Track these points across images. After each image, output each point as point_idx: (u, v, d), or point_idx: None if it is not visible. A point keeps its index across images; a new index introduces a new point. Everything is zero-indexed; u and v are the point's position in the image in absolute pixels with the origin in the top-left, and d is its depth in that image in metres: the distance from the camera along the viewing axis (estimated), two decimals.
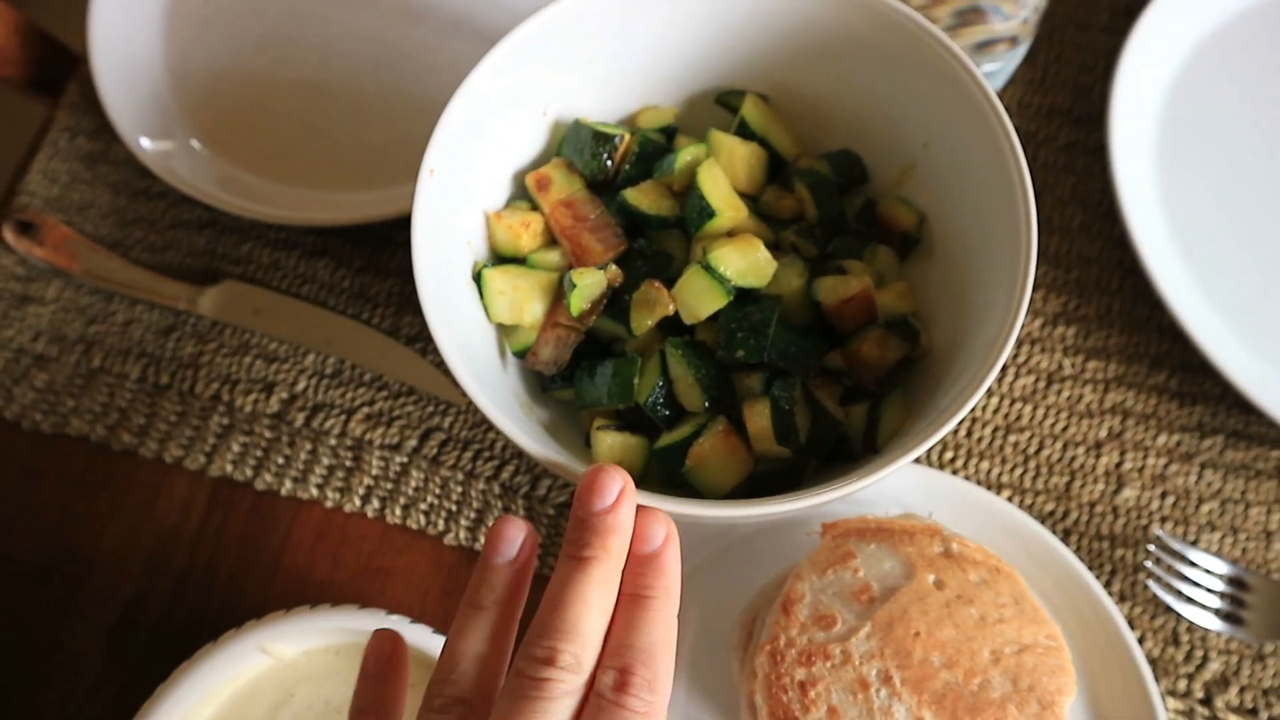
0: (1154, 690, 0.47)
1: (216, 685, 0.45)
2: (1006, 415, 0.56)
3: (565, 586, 0.34)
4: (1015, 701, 0.41)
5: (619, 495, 0.36)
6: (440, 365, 0.57)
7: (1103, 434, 0.56)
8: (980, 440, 0.55)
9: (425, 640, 0.43)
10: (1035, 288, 0.59)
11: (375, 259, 0.61)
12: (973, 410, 0.56)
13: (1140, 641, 0.51)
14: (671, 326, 0.47)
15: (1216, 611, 0.51)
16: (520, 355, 0.48)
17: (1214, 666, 0.51)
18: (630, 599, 0.35)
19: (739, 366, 0.46)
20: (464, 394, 0.56)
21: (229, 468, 0.57)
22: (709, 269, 0.45)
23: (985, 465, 0.55)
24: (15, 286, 0.63)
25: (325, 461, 0.56)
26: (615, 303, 0.48)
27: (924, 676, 0.41)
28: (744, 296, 0.47)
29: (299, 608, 0.44)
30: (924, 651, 0.42)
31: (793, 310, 0.48)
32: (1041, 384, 0.57)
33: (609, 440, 0.45)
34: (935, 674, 0.41)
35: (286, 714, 0.46)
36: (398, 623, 0.43)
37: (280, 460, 0.56)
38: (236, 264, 0.62)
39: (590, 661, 0.33)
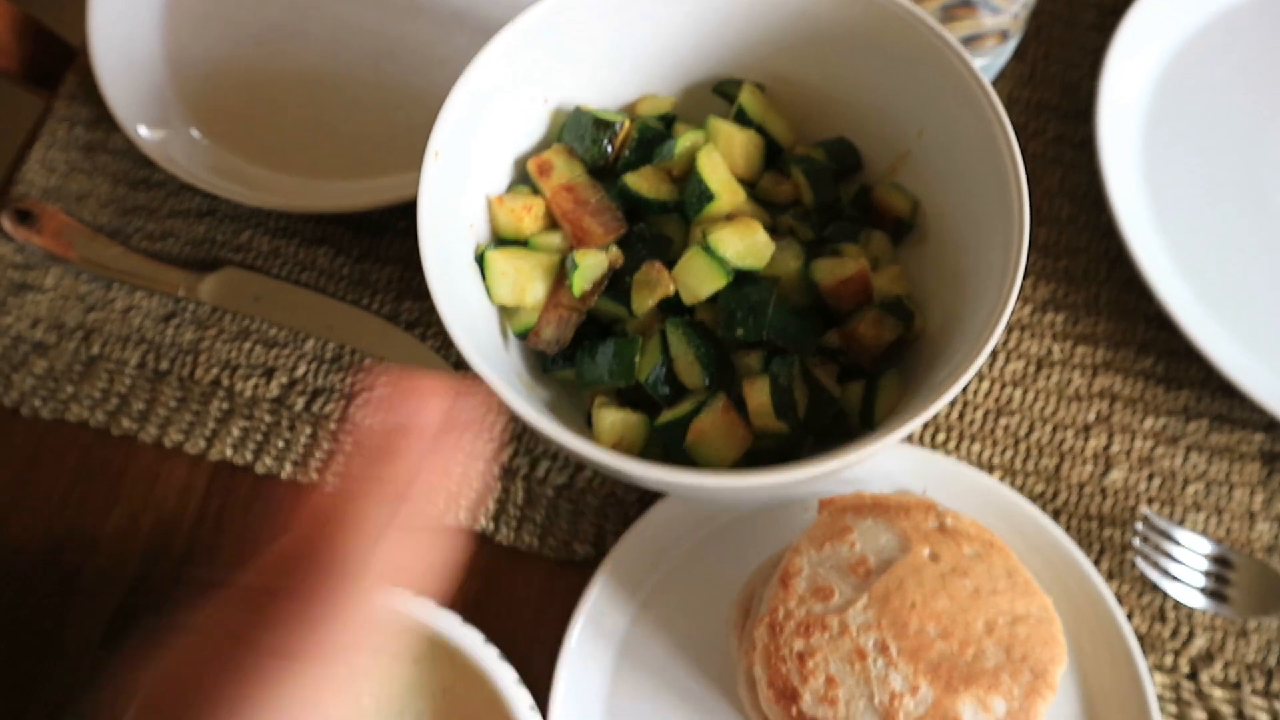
0: (1142, 665, 0.48)
1: None
2: (997, 399, 0.57)
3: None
4: (1009, 671, 0.42)
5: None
6: (440, 350, 0.58)
7: (1091, 417, 0.57)
8: (972, 423, 0.57)
9: (428, 614, 0.44)
10: (1025, 275, 0.60)
11: (374, 246, 0.62)
12: (964, 393, 0.57)
13: (1128, 618, 0.52)
14: (671, 308, 0.48)
15: (1202, 589, 0.52)
16: (522, 336, 0.49)
17: (1199, 642, 0.52)
18: None
19: (738, 345, 0.47)
20: (467, 375, 0.57)
21: (229, 452, 0.57)
22: (709, 250, 0.46)
23: (977, 447, 0.56)
24: (14, 274, 0.63)
25: (325, 445, 0.57)
26: (616, 284, 0.48)
27: (920, 646, 0.42)
28: (742, 279, 0.48)
29: None
30: (920, 622, 0.43)
31: (790, 292, 0.49)
32: (1031, 369, 0.58)
33: (611, 417, 0.46)
34: (931, 644, 0.42)
35: None
36: (399, 595, 0.44)
37: (280, 444, 0.57)
38: (236, 252, 0.62)
39: None
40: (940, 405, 0.40)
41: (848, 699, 0.42)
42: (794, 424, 0.45)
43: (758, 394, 0.45)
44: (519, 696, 0.43)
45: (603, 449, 0.39)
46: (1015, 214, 0.44)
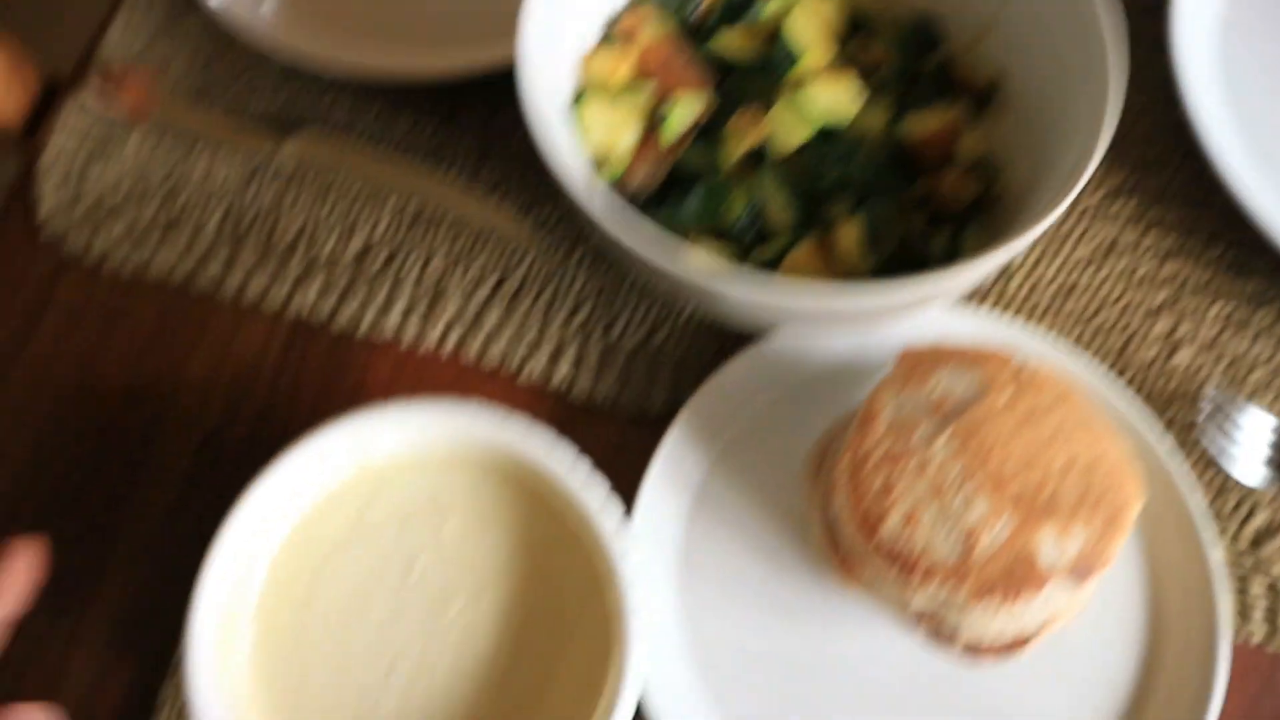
0: (1206, 534, 0.49)
1: (304, 488, 0.46)
2: (1065, 279, 0.58)
3: None
4: (1086, 508, 0.43)
5: None
6: (519, 213, 0.59)
7: (1158, 301, 0.57)
8: (1039, 303, 0.57)
9: (518, 436, 0.45)
10: None
11: (455, 114, 0.63)
12: (1033, 272, 0.58)
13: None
14: (756, 164, 0.49)
15: (1267, 461, 0.53)
16: (614, 184, 0.50)
17: (1261, 517, 0.53)
18: None
19: (826, 194, 0.48)
20: (545, 237, 0.58)
21: (306, 309, 0.58)
22: (798, 102, 0.47)
23: (1044, 325, 0.57)
24: (97, 136, 0.64)
25: (402, 303, 0.58)
26: (703, 138, 0.49)
27: (1000, 481, 0.43)
28: (828, 136, 0.48)
29: (394, 398, 0.45)
30: (999, 459, 0.44)
31: (875, 150, 0.50)
32: (1100, 253, 0.59)
33: (706, 248, 0.47)
34: (1011, 480, 0.43)
35: (372, 516, 0.47)
36: (493, 413, 0.45)
37: (356, 303, 0.58)
38: (316, 119, 0.63)
39: None
40: (1031, 237, 0.41)
41: (929, 528, 0.43)
42: (882, 260, 0.45)
43: (849, 233, 0.45)
44: (607, 520, 0.44)
45: (707, 259, 0.40)
46: (1103, 63, 0.45)
